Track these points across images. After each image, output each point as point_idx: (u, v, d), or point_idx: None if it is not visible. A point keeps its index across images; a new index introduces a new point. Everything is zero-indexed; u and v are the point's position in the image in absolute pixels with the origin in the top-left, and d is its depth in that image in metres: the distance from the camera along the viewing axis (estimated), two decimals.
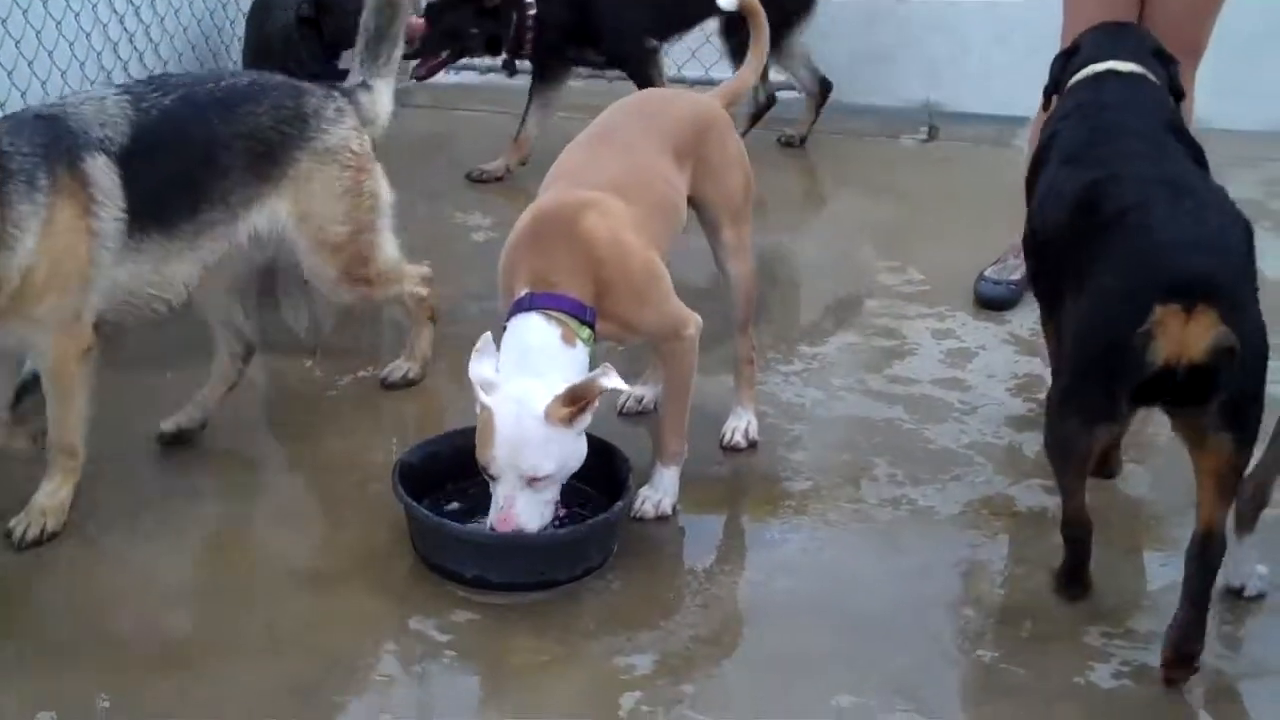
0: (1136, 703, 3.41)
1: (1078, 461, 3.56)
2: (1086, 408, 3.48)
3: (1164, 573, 3.81)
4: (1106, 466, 4.11)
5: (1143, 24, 4.60)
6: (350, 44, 4.85)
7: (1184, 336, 3.27)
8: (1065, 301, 3.63)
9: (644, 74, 5.86)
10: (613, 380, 3.60)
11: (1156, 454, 4.29)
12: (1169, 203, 3.46)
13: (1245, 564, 3.71)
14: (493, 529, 3.66)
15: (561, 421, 3.58)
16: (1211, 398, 3.33)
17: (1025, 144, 5.04)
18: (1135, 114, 3.86)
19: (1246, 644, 3.59)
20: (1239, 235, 3.47)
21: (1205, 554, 3.44)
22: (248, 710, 3.37)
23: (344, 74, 4.98)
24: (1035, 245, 3.95)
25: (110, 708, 3.36)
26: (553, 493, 3.68)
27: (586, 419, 3.64)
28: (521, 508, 3.63)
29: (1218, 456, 3.41)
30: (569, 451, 3.64)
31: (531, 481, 3.62)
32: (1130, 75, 4.00)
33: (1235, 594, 3.71)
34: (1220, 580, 3.70)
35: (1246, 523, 3.69)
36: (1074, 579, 3.73)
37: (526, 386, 3.62)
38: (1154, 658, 3.52)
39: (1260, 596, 3.71)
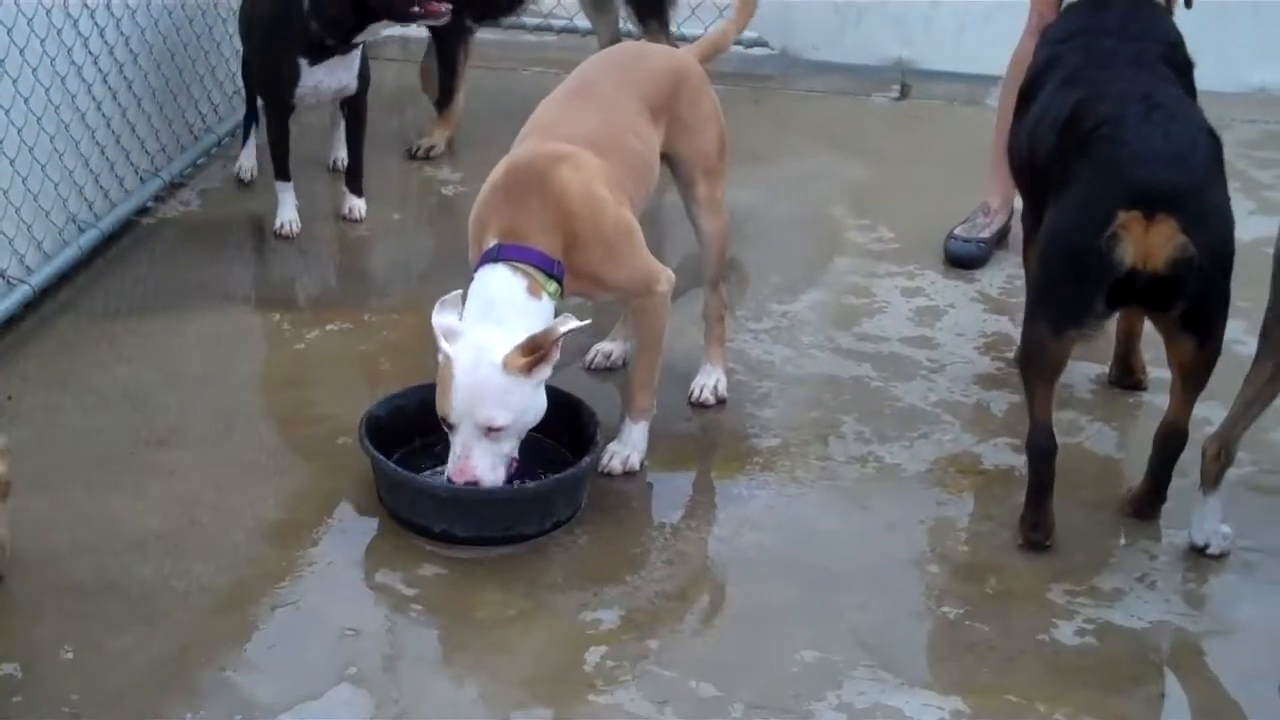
0: (1100, 661, 3.44)
1: (1048, 369, 3.69)
2: (1056, 312, 3.62)
3: (1129, 531, 3.83)
4: (1132, 376, 4.32)
5: None
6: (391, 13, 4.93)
7: (1146, 243, 3.45)
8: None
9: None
10: (569, 323, 3.61)
11: (1123, 414, 4.31)
12: (1140, 118, 3.59)
13: (1209, 522, 3.73)
14: (450, 480, 3.65)
15: (519, 371, 3.58)
16: (1174, 304, 3.54)
17: (997, 102, 5.05)
18: (1132, 39, 3.94)
19: (1209, 602, 3.62)
20: (1205, 149, 3.61)
21: (1167, 444, 3.77)
22: (212, 661, 3.37)
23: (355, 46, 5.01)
24: (1027, 167, 4.01)
25: (74, 659, 3.36)
26: (511, 445, 3.67)
27: (546, 370, 3.64)
28: (478, 458, 3.63)
29: (1182, 356, 3.67)
30: (527, 403, 3.63)
31: (488, 431, 3.61)
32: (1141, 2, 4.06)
33: (1199, 552, 3.74)
34: (1184, 538, 3.75)
35: (1211, 481, 3.72)
36: (1039, 510, 3.75)
37: (487, 335, 3.62)
38: (1117, 615, 3.55)
39: (1223, 555, 3.73)
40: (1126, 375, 4.39)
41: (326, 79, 5.05)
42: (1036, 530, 3.76)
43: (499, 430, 3.63)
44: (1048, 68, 4.03)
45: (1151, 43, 3.97)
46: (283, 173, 5.17)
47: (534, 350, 3.60)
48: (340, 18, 4.91)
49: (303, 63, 4.98)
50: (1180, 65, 4.00)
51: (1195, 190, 3.53)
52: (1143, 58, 3.92)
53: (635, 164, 3.93)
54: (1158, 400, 4.32)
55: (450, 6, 5.00)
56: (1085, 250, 3.50)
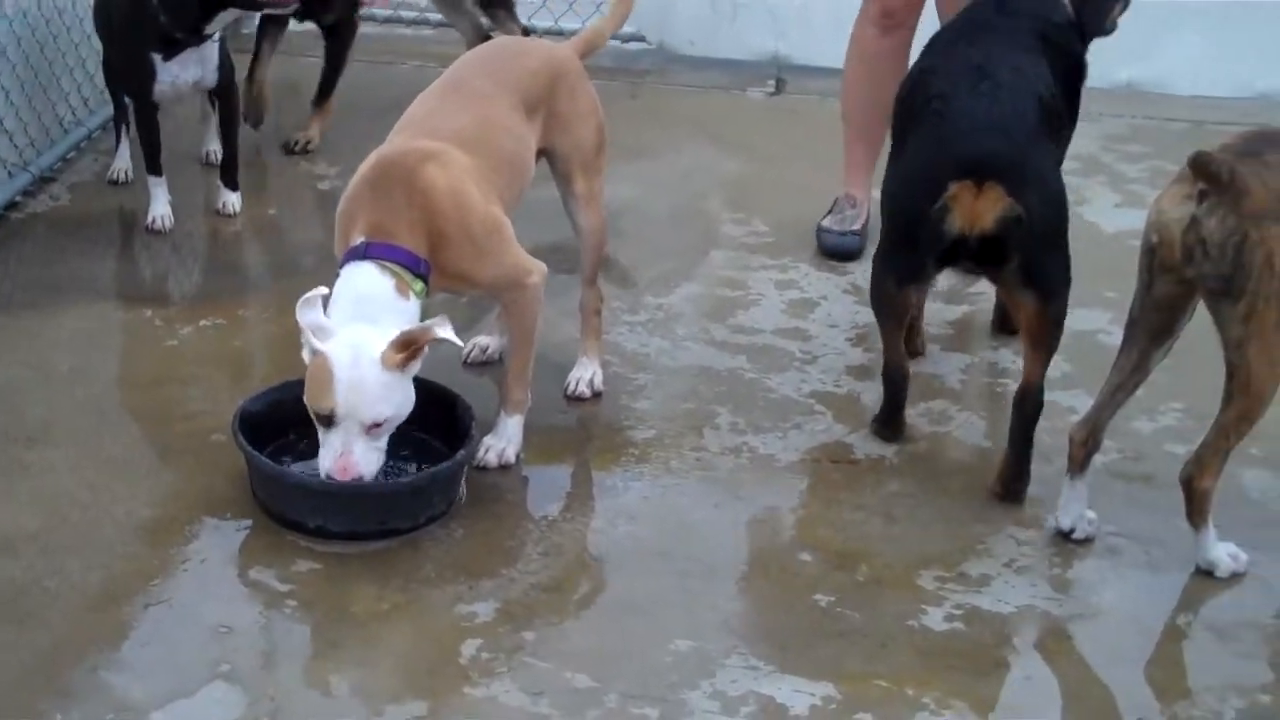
0: (968, 645, 3.49)
1: (895, 315, 4.09)
2: (898, 271, 3.99)
3: (996, 518, 3.90)
4: (911, 344, 4.43)
5: None
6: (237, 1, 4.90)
7: (975, 209, 3.76)
8: None
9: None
10: (446, 331, 3.61)
11: (991, 402, 4.38)
12: (968, 90, 3.88)
13: (1075, 507, 3.81)
14: (329, 477, 3.65)
15: (396, 367, 3.58)
16: (1006, 261, 3.81)
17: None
18: (1008, 14, 4.17)
19: (1075, 587, 3.69)
20: (1030, 116, 3.87)
21: (1023, 406, 3.94)
22: (84, 660, 3.34)
23: (206, 37, 4.95)
24: (894, 134, 4.22)
25: None
26: (385, 440, 3.68)
27: (416, 365, 3.65)
28: (360, 455, 3.63)
29: (1026, 313, 3.89)
30: (404, 397, 3.65)
31: (370, 428, 3.61)
32: None
33: (1065, 537, 3.81)
34: (1050, 523, 3.83)
35: (1077, 467, 3.79)
36: (890, 421, 4.18)
37: (362, 333, 3.61)
38: (986, 601, 3.61)
39: (1089, 540, 3.81)
40: (1007, 322, 4.56)
41: (182, 73, 5.00)
42: (887, 428, 4.18)
43: (379, 426, 3.63)
44: (930, 42, 4.28)
45: (1025, 19, 4.16)
46: (154, 167, 5.12)
47: (407, 346, 3.60)
48: (186, 8, 4.86)
49: (156, 58, 4.93)
50: (1060, 42, 4.18)
51: (1019, 156, 3.80)
52: (1014, 34, 4.12)
53: (508, 161, 3.94)
54: None
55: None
56: (918, 218, 3.82)
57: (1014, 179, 3.76)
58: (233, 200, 5.26)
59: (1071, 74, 4.24)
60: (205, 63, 5.03)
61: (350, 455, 3.63)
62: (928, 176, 3.82)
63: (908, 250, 3.91)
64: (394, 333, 3.60)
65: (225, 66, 5.11)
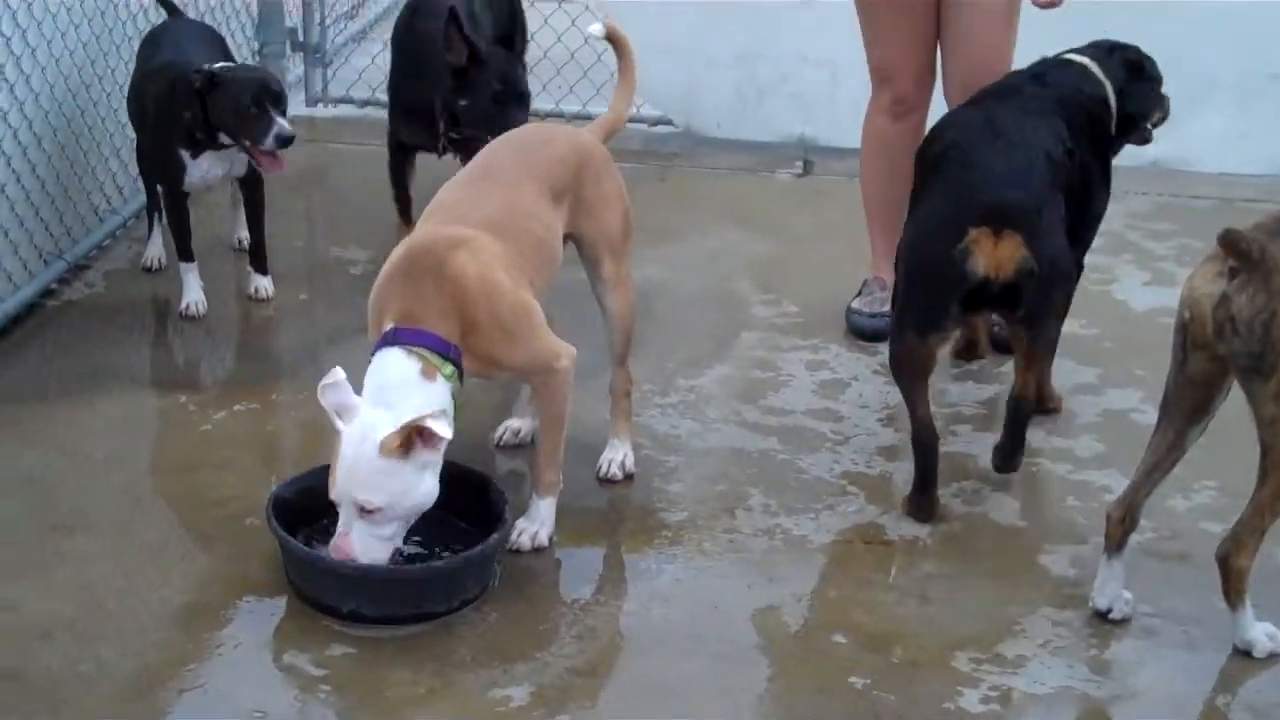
0: None
1: (918, 371, 4.15)
2: (919, 321, 4.09)
3: (1032, 599, 3.88)
4: (974, 350, 4.78)
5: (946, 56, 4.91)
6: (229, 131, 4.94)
7: (995, 255, 3.95)
8: None
9: None
10: (439, 425, 3.59)
11: (1025, 483, 4.37)
12: (983, 142, 4.13)
13: (1111, 586, 3.79)
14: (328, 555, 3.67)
15: (392, 453, 3.59)
16: (1017, 308, 4.04)
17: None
18: (1043, 85, 4.42)
19: (1112, 668, 3.67)
20: (1041, 171, 4.09)
21: (1016, 410, 4.22)
22: None
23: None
24: (913, 189, 4.40)
25: None
26: (393, 529, 3.67)
27: (428, 455, 3.62)
28: (355, 538, 3.64)
29: (1021, 346, 4.17)
30: (405, 486, 3.62)
31: (363, 513, 3.62)
32: (1069, 62, 4.52)
33: (1101, 617, 3.79)
34: (1087, 603, 3.81)
35: (1114, 546, 3.78)
36: (923, 496, 4.19)
37: (375, 417, 3.63)
38: (1022, 682, 3.60)
39: (1125, 620, 3.78)
40: (969, 349, 4.83)
41: (212, 168, 5.07)
42: (921, 510, 4.17)
43: (374, 512, 3.63)
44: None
45: (1053, 88, 4.38)
46: (185, 253, 5.16)
47: (407, 432, 3.60)
48: (197, 124, 4.96)
49: (185, 154, 5.00)
50: (1092, 112, 4.42)
51: (1035, 209, 4.02)
52: (1036, 99, 4.34)
53: (536, 247, 3.96)
54: (1059, 470, 4.42)
55: (284, 166, 5.05)
56: (940, 262, 3.98)
57: (1030, 229, 3.97)
58: (264, 284, 5.29)
59: (1101, 144, 4.44)
60: (235, 157, 5.09)
61: (346, 536, 3.66)
62: (950, 221, 3.99)
63: (929, 298, 4.05)
64: (407, 418, 3.61)
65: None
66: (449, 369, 3.72)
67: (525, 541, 3.98)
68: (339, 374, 3.70)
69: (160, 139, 5.06)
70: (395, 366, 3.69)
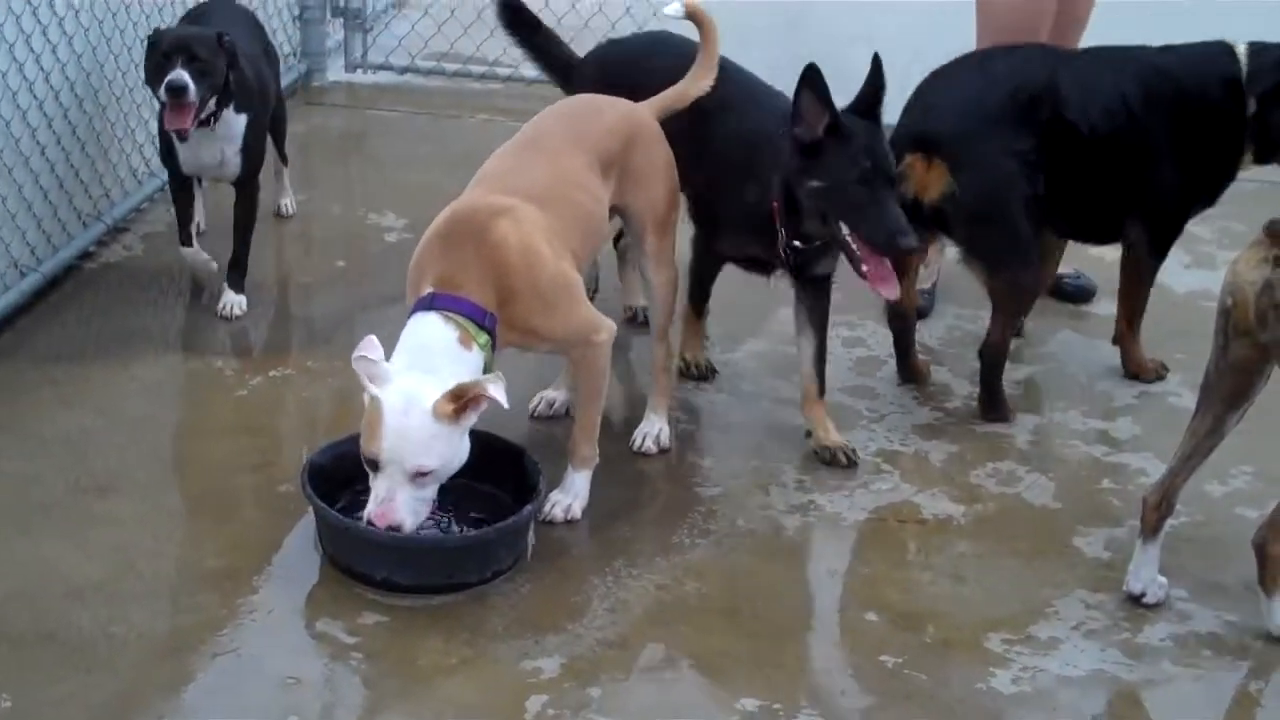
0: (1036, 709, 3.47)
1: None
2: None
3: (1065, 581, 3.87)
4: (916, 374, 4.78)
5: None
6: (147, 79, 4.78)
7: (924, 179, 4.29)
8: None
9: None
10: (498, 390, 3.59)
11: (1060, 464, 4.35)
12: (951, 76, 4.49)
13: (1146, 571, 3.77)
14: (369, 523, 3.66)
15: (447, 418, 3.58)
16: (950, 231, 4.39)
17: None
18: (1157, 50, 4.57)
19: (1145, 652, 3.65)
20: (994, 109, 4.34)
21: (984, 353, 4.48)
22: (152, 709, 3.36)
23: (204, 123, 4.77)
24: None
25: (11, 708, 3.34)
26: (433, 490, 3.68)
27: (472, 418, 3.64)
28: (402, 503, 3.63)
29: (981, 280, 4.44)
30: (453, 449, 3.64)
31: (415, 477, 3.62)
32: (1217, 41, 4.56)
33: (1135, 601, 3.77)
34: (1121, 587, 3.79)
35: (1150, 531, 3.76)
36: (901, 358, 4.69)
37: (417, 381, 3.62)
38: (1054, 664, 3.59)
39: (1159, 604, 3.77)
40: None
41: (200, 154, 4.84)
42: (900, 373, 4.71)
43: (426, 475, 3.64)
44: None
45: (1169, 56, 4.53)
46: (185, 239, 5.02)
47: (460, 398, 3.60)
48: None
49: (172, 135, 4.79)
50: (1198, 89, 4.47)
51: (965, 140, 4.31)
52: (1126, 61, 4.51)
53: (582, 218, 3.95)
54: (1095, 452, 4.40)
55: (185, 123, 4.68)
56: None
57: (956, 159, 4.29)
58: (236, 302, 4.97)
59: (1224, 127, 4.47)
60: (226, 145, 4.86)
61: (392, 503, 3.63)
62: (896, 144, 4.24)
63: None
64: (450, 383, 3.61)
65: (250, 155, 4.93)
66: (484, 338, 3.72)
67: (559, 513, 3.98)
68: (373, 342, 3.70)
69: (160, 117, 4.84)
70: (432, 332, 3.68)
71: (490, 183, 3.93)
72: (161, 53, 4.66)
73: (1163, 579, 3.79)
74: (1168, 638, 3.69)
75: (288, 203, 5.59)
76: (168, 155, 4.94)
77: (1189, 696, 3.52)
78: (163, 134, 4.88)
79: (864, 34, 6.44)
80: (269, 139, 5.24)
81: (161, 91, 4.63)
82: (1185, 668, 3.60)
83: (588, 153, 4.03)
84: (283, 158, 5.54)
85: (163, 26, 4.94)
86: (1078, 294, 5.16)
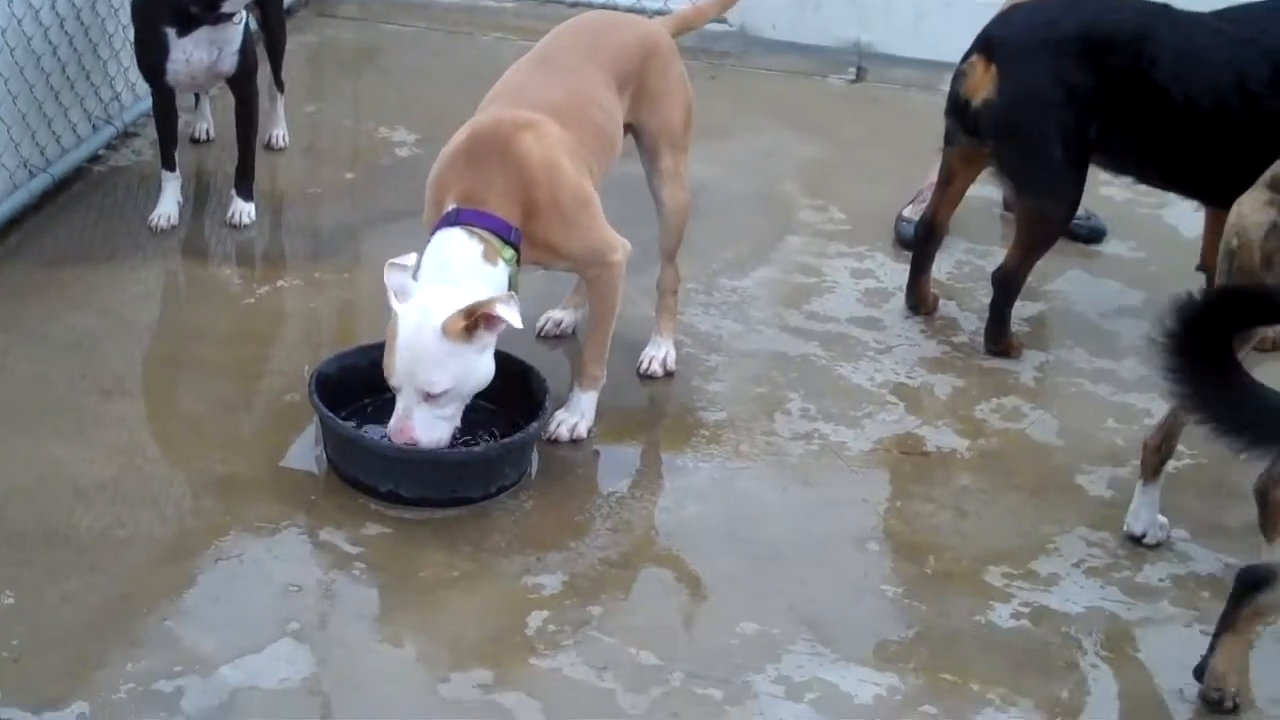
0: (1034, 644, 3.49)
1: (940, 177, 4.62)
2: (945, 129, 4.53)
3: (1067, 518, 3.88)
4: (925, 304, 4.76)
5: None
6: None
7: (978, 81, 4.35)
8: None
9: None
10: (507, 309, 3.58)
11: (1066, 401, 4.36)
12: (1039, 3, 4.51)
13: (1146, 512, 3.78)
14: (388, 438, 3.66)
15: (457, 336, 3.58)
16: (986, 138, 4.38)
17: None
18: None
19: (1144, 591, 3.67)
20: (1063, 30, 4.34)
21: (997, 279, 4.49)
22: (155, 611, 3.37)
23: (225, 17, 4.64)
24: None
25: (14, 605, 3.36)
26: (454, 409, 3.68)
27: (489, 337, 3.63)
28: (418, 421, 3.64)
29: (1010, 200, 4.66)
30: (468, 368, 3.63)
31: (428, 396, 3.62)
32: None
33: (1136, 541, 3.79)
34: (1122, 528, 3.81)
35: (1150, 472, 3.77)
36: (910, 285, 4.71)
37: (433, 297, 3.61)
38: (1054, 600, 3.60)
39: (1159, 545, 3.78)
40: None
41: (196, 52, 4.66)
42: (908, 295, 4.72)
43: (438, 396, 3.63)
44: None
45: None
46: (167, 161, 4.89)
47: (471, 316, 3.59)
48: None
49: (170, 33, 4.62)
50: None
51: (1019, 51, 4.34)
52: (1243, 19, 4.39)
53: (598, 135, 3.93)
54: (1101, 391, 4.40)
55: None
56: (953, 78, 4.44)
57: (1006, 67, 4.31)
58: (245, 210, 4.93)
59: None
60: (224, 46, 4.70)
61: (408, 420, 3.64)
62: (970, 46, 4.42)
63: (947, 108, 4.49)
64: (468, 299, 3.60)
65: (247, 56, 4.80)
66: (509, 252, 3.70)
67: (564, 432, 3.98)
68: (411, 256, 3.68)
69: (146, 19, 4.70)
70: (457, 247, 3.67)
71: (507, 98, 3.91)
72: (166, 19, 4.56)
73: (1163, 520, 3.80)
74: (1167, 578, 3.71)
75: (281, 134, 5.43)
76: (156, 62, 4.72)
77: (1187, 636, 3.53)
78: (146, 45, 4.72)
79: None
80: (267, 58, 5.16)
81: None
82: (1184, 608, 3.62)
83: (603, 69, 4.01)
84: (278, 83, 5.38)
85: None
86: (1090, 235, 5.14)
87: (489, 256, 3.67)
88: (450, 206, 3.71)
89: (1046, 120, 4.32)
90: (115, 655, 3.25)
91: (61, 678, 3.19)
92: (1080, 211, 5.09)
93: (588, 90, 3.96)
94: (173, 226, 4.87)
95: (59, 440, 3.88)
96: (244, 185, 4.96)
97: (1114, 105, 4.29)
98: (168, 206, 4.90)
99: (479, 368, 3.66)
